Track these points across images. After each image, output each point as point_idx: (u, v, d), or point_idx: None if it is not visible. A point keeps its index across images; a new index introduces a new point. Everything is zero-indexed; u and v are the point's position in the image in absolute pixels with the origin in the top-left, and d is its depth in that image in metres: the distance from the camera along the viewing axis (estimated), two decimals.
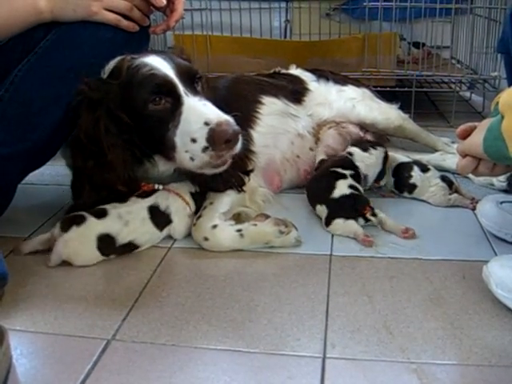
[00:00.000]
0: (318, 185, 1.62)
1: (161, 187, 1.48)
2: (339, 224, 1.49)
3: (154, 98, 1.36)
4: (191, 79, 1.42)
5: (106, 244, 1.38)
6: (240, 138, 1.34)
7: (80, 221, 1.38)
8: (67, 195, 1.74)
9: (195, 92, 1.40)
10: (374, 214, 1.50)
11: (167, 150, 1.40)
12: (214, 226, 1.43)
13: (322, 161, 1.75)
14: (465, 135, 1.20)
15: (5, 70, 1.46)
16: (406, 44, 2.90)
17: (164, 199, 1.46)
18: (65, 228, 1.37)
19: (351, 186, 1.55)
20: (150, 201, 1.45)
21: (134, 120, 1.39)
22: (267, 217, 1.48)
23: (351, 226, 1.48)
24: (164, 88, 1.37)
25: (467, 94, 2.94)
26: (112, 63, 1.44)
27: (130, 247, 1.42)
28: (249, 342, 1.08)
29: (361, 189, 1.59)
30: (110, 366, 1.03)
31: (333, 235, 1.49)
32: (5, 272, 1.10)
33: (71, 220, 1.38)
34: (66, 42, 1.45)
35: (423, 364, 1.01)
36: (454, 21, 2.67)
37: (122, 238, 1.40)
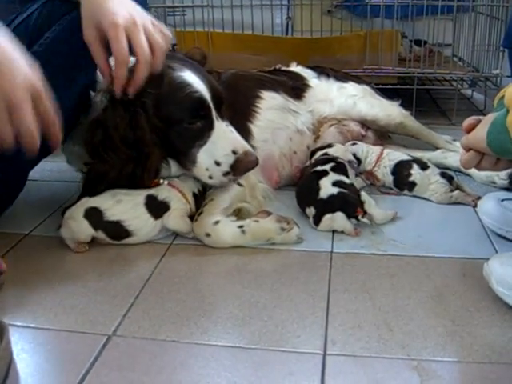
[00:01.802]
0: (303, 189, 1.62)
1: (166, 182, 1.48)
2: (328, 219, 1.48)
3: (190, 119, 1.42)
4: (221, 102, 1.48)
5: (93, 217, 1.40)
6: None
7: (76, 202, 1.44)
8: (68, 191, 1.75)
9: (223, 116, 1.48)
10: (365, 213, 1.48)
11: (187, 161, 1.47)
12: (216, 222, 1.43)
13: (306, 167, 1.75)
14: (470, 129, 1.19)
15: None
16: (407, 41, 2.90)
17: (165, 191, 1.46)
18: (63, 211, 1.44)
19: (336, 183, 1.53)
20: (149, 191, 1.45)
21: (164, 128, 1.42)
22: (269, 214, 1.48)
23: (340, 219, 1.47)
24: (201, 112, 1.43)
25: (469, 91, 2.93)
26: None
27: (120, 230, 1.42)
28: (249, 338, 1.09)
29: (348, 181, 1.57)
30: (110, 361, 1.03)
31: (333, 232, 1.48)
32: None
33: (71, 205, 1.44)
34: (71, 32, 1.43)
35: (424, 361, 1.01)
36: (455, 18, 2.67)
37: (111, 215, 1.40)
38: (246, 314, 1.16)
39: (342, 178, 1.57)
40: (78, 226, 1.40)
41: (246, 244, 1.43)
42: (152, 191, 1.45)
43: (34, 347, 1.08)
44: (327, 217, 1.48)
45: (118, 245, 1.44)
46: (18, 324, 1.14)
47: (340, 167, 1.62)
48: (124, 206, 1.42)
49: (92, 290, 1.26)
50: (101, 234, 1.41)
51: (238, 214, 1.51)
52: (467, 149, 1.21)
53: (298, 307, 1.18)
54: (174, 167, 1.51)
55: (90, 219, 1.40)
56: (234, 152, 1.43)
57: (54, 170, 1.97)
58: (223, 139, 1.45)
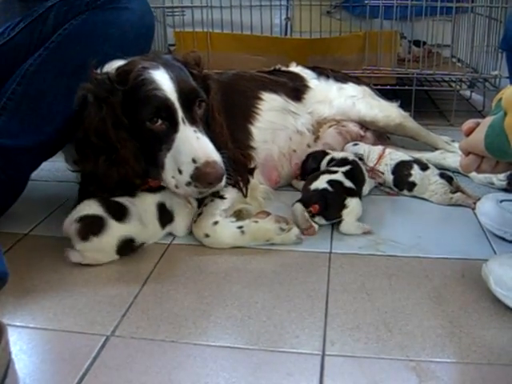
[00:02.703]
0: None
1: None
2: (296, 205, 1.51)
3: (151, 117, 1.36)
4: (192, 102, 1.40)
5: (126, 247, 1.37)
6: (224, 178, 1.35)
7: (98, 229, 1.33)
8: (67, 191, 1.75)
9: (193, 120, 1.39)
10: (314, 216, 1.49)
11: (157, 166, 1.40)
12: (215, 223, 1.43)
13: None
14: (469, 132, 1.19)
15: (12, 64, 1.49)
16: (406, 42, 2.90)
17: (168, 198, 1.45)
18: (83, 237, 1.32)
19: (329, 181, 1.54)
20: (157, 197, 1.45)
21: (130, 127, 1.39)
22: (268, 214, 1.48)
23: (296, 209, 1.49)
24: (163, 112, 1.36)
25: (467, 92, 2.94)
26: (121, 63, 1.43)
27: (139, 245, 1.42)
28: (248, 338, 1.09)
29: (348, 184, 1.55)
30: (109, 362, 1.03)
31: (332, 233, 1.49)
32: (5, 271, 1.10)
33: (89, 227, 1.33)
34: (77, 37, 1.47)
35: (422, 362, 1.01)
36: (454, 19, 2.68)
37: (140, 240, 1.40)
38: (244, 314, 1.16)
39: (344, 180, 1.56)
40: (103, 257, 1.36)
41: (245, 244, 1.43)
42: (158, 197, 1.45)
43: (33, 347, 1.08)
44: (297, 204, 1.51)
45: None
46: (17, 324, 1.13)
47: (352, 172, 1.61)
48: (149, 227, 1.41)
49: (91, 291, 1.26)
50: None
51: (238, 214, 1.51)
52: (466, 152, 1.21)
53: (296, 308, 1.18)
54: (152, 170, 1.45)
55: (122, 250, 1.36)
56: (194, 161, 1.32)
57: (52, 170, 1.97)
58: (185, 145, 1.35)
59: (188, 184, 1.34)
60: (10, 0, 1.90)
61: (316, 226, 1.48)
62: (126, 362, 1.03)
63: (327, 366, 1.01)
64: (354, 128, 1.96)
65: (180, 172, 1.34)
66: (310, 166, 1.75)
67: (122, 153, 1.38)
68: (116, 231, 1.34)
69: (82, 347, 1.06)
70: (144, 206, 1.42)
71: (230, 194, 1.51)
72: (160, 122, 1.36)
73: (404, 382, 0.97)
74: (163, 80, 1.37)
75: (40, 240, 1.50)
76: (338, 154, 1.72)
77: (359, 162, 1.68)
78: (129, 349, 1.06)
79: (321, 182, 1.54)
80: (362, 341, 1.07)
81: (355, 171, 1.63)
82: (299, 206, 1.49)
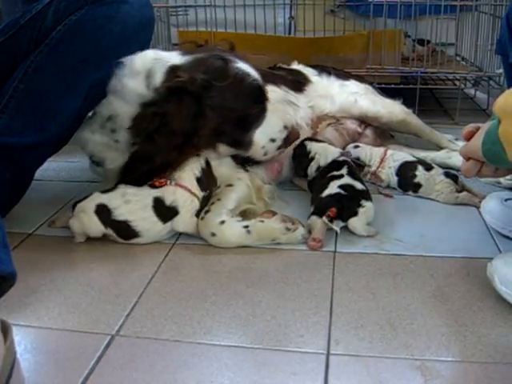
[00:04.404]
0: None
1: (173, 183, 1.47)
2: (311, 219, 1.48)
3: (253, 106, 1.52)
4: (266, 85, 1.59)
5: (103, 214, 1.42)
6: None
7: (86, 197, 1.45)
8: (71, 191, 1.75)
9: (268, 98, 1.59)
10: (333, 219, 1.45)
11: (244, 144, 1.56)
12: (222, 222, 1.43)
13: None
14: (469, 137, 1.19)
15: (12, 61, 1.49)
16: (410, 41, 2.89)
17: (170, 194, 1.45)
18: (72, 207, 1.46)
19: (341, 186, 1.52)
20: (157, 192, 1.45)
21: (225, 118, 1.48)
22: (274, 213, 1.48)
23: (314, 220, 1.46)
24: (263, 98, 1.55)
25: (472, 91, 2.93)
26: (206, 61, 1.48)
27: (128, 230, 1.42)
28: (252, 337, 1.09)
29: (358, 185, 1.54)
30: (113, 361, 1.03)
31: (336, 232, 1.48)
32: (13, 271, 1.10)
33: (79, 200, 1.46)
34: (77, 32, 1.47)
35: (427, 361, 1.01)
36: (458, 18, 2.66)
37: (119, 214, 1.42)
38: (249, 313, 1.16)
39: (354, 182, 1.55)
40: (89, 221, 1.42)
41: (251, 244, 1.43)
42: (159, 193, 1.45)
43: (38, 347, 1.08)
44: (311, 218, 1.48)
45: (122, 244, 1.44)
46: (22, 324, 1.14)
47: (352, 172, 1.60)
48: (132, 207, 1.42)
49: (95, 290, 1.26)
50: (110, 232, 1.43)
51: (244, 214, 1.51)
52: (467, 157, 1.21)
53: (301, 307, 1.18)
54: (223, 151, 1.56)
55: (100, 215, 1.42)
56: (286, 127, 1.60)
57: (57, 170, 1.98)
58: (275, 119, 1.58)
59: (279, 148, 1.60)
60: (13, 1, 1.91)
61: (337, 229, 1.45)
62: (130, 361, 1.03)
63: (332, 365, 1.01)
64: (352, 125, 1.96)
65: (273, 140, 1.57)
66: (300, 154, 1.74)
67: (198, 149, 1.50)
68: (96, 197, 1.44)
69: (87, 346, 1.07)
70: (138, 191, 1.45)
71: (236, 193, 1.52)
72: (256, 106, 1.53)
73: (409, 381, 0.97)
74: (251, 70, 1.52)
75: (44, 240, 1.50)
76: (326, 159, 1.67)
77: (349, 160, 1.66)
78: (133, 348, 1.06)
79: (332, 189, 1.52)
80: (366, 340, 1.07)
81: (354, 170, 1.62)
82: (315, 218, 1.46)
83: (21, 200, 1.56)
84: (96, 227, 1.42)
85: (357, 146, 1.83)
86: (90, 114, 1.57)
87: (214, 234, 1.43)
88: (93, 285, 1.28)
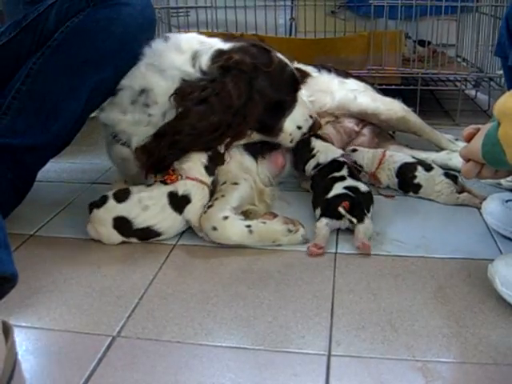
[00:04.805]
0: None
1: (184, 177, 1.47)
2: (321, 221, 1.47)
3: (290, 94, 1.62)
4: None
5: (122, 226, 1.42)
6: None
7: (101, 203, 1.44)
8: (73, 192, 1.76)
9: None
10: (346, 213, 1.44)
11: (275, 130, 1.63)
12: (225, 218, 1.42)
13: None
14: (470, 138, 1.19)
15: (15, 62, 1.49)
16: (411, 42, 2.89)
17: (182, 186, 1.46)
18: (89, 210, 1.46)
19: (346, 188, 1.52)
20: (169, 188, 1.46)
21: (265, 104, 1.54)
22: (275, 215, 1.48)
23: (323, 222, 1.46)
24: (297, 87, 1.64)
25: (473, 92, 2.93)
26: (249, 48, 1.55)
27: (151, 233, 1.44)
28: (254, 339, 1.09)
29: (362, 187, 1.54)
30: (115, 362, 1.03)
31: (338, 233, 1.48)
32: (15, 272, 1.11)
33: (95, 202, 1.46)
34: (79, 34, 1.47)
35: (428, 362, 1.01)
36: (459, 19, 2.66)
37: (139, 223, 1.42)
38: (250, 314, 1.16)
39: (358, 184, 1.55)
40: (107, 234, 1.43)
41: (251, 244, 1.43)
42: (171, 188, 1.46)
43: (39, 348, 1.08)
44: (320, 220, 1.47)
45: (123, 245, 1.44)
46: (23, 325, 1.14)
47: (352, 172, 1.60)
48: (151, 212, 1.43)
49: (96, 291, 1.26)
50: (132, 239, 1.44)
51: (245, 215, 1.51)
52: (466, 159, 1.21)
53: (302, 308, 1.18)
54: (254, 137, 1.62)
55: (120, 229, 1.43)
56: (311, 116, 1.70)
57: (58, 171, 1.98)
58: (303, 107, 1.68)
59: (303, 135, 1.69)
60: (15, 3, 1.91)
61: (354, 220, 1.43)
62: (131, 362, 1.03)
63: (333, 367, 1.01)
64: (349, 124, 1.95)
65: (299, 128, 1.67)
66: (303, 148, 1.75)
67: (245, 130, 1.55)
68: (112, 208, 1.43)
69: (88, 348, 1.07)
70: (152, 193, 1.45)
71: (240, 192, 1.52)
72: (292, 94, 1.62)
73: (410, 383, 0.97)
74: (288, 61, 1.62)
75: (46, 241, 1.50)
76: (326, 158, 1.68)
77: (348, 162, 1.66)
78: (135, 349, 1.06)
79: (337, 190, 1.51)
80: (367, 341, 1.07)
81: (354, 171, 1.62)
82: (324, 221, 1.45)
83: (23, 200, 1.56)
84: (116, 238, 1.44)
85: (354, 150, 1.83)
86: (119, 87, 1.55)
87: (215, 228, 1.42)
88: (94, 286, 1.28)
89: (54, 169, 1.96)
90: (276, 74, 1.54)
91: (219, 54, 1.50)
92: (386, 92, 2.09)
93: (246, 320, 1.14)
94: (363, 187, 1.54)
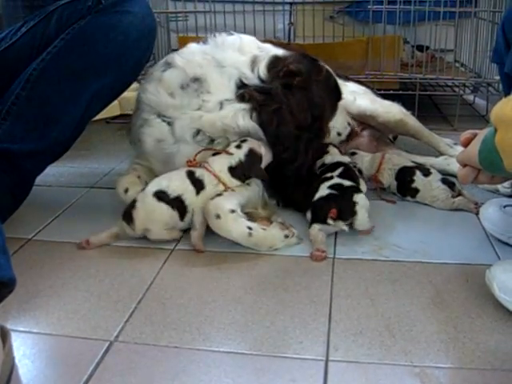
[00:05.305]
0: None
1: (203, 165, 1.49)
2: (313, 227, 1.48)
3: (334, 102, 1.68)
4: None
5: (162, 197, 1.44)
6: None
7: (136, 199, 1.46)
8: (71, 196, 1.76)
9: None
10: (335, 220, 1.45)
11: (323, 134, 1.66)
12: (232, 211, 1.41)
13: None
14: (467, 143, 1.19)
15: (15, 68, 1.49)
16: (409, 47, 2.90)
17: (199, 171, 1.48)
18: (132, 205, 1.46)
19: (330, 187, 1.53)
20: (189, 168, 1.49)
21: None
22: (269, 221, 1.49)
23: (316, 229, 1.47)
24: (340, 96, 1.70)
25: (471, 97, 2.94)
26: (301, 56, 1.58)
27: (183, 205, 1.45)
28: (251, 344, 1.08)
29: (347, 183, 1.55)
30: (112, 367, 1.03)
31: (336, 238, 1.48)
32: (13, 277, 1.10)
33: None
34: (80, 42, 1.48)
35: (426, 367, 1.01)
36: (457, 24, 2.67)
37: (172, 191, 1.44)
38: (248, 319, 1.16)
39: (342, 181, 1.55)
40: (161, 213, 1.44)
41: (246, 246, 1.42)
42: (190, 168, 1.49)
43: (36, 353, 1.08)
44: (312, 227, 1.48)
45: (121, 250, 1.44)
46: (20, 329, 1.14)
47: (347, 173, 1.60)
48: (176, 182, 1.46)
49: (94, 296, 1.26)
50: (175, 210, 1.45)
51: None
52: (463, 164, 1.21)
53: (300, 313, 1.18)
54: None
55: (160, 199, 1.44)
56: (349, 124, 1.85)
57: (56, 175, 1.98)
58: (342, 115, 1.80)
59: (342, 142, 1.84)
60: (15, 7, 1.92)
61: (346, 228, 1.45)
62: (129, 367, 1.03)
63: (331, 372, 1.01)
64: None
65: (339, 134, 1.83)
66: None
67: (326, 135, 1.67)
68: (148, 188, 1.46)
69: (86, 352, 1.06)
70: (173, 172, 1.50)
71: (250, 191, 1.52)
72: (335, 102, 1.69)
73: None
74: (331, 70, 1.66)
75: (43, 245, 1.50)
76: (333, 159, 1.69)
77: (350, 165, 1.66)
78: (132, 354, 1.06)
79: (322, 191, 1.52)
80: (365, 346, 1.07)
81: (350, 171, 1.62)
82: (316, 227, 1.46)
83: (21, 205, 1.56)
84: (162, 212, 1.45)
85: (353, 153, 1.83)
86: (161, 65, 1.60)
87: (219, 217, 1.40)
88: (92, 291, 1.28)
89: (53, 173, 1.96)
90: (324, 83, 1.58)
91: (275, 60, 1.53)
92: (384, 97, 2.09)
93: (243, 325, 1.14)
94: (347, 182, 1.54)
